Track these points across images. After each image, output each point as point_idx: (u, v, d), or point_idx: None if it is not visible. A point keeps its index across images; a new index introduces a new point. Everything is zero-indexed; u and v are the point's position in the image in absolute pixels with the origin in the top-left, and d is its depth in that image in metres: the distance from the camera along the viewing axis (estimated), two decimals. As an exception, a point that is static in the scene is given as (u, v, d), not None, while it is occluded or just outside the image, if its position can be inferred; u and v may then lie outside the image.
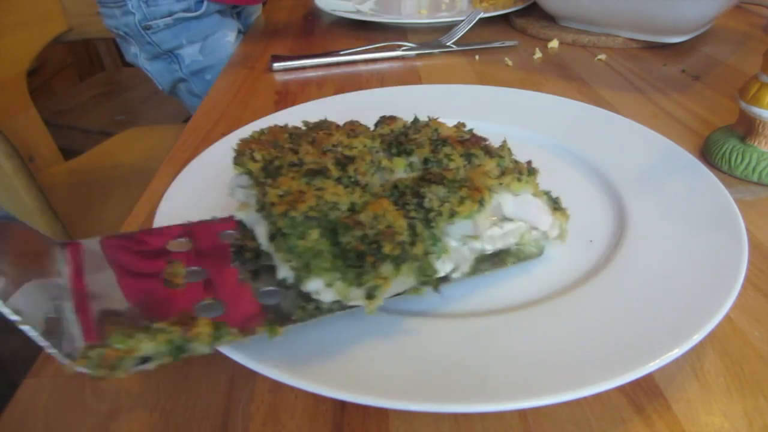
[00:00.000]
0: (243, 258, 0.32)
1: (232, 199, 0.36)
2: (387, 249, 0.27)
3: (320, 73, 0.75)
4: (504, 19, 0.96)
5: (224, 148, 0.49)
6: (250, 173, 0.34)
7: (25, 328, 0.23)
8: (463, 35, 0.83)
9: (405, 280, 0.28)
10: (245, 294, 0.30)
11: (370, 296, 0.27)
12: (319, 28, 0.98)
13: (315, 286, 0.28)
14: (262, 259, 0.32)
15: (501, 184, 0.33)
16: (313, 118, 0.55)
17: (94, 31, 1.32)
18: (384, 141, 0.38)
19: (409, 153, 0.36)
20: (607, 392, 0.28)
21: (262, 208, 0.31)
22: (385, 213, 0.29)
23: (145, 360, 0.24)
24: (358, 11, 0.96)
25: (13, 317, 0.22)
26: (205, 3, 0.92)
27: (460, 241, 0.32)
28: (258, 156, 0.34)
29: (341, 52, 0.78)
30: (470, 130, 0.40)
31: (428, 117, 0.41)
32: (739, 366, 0.30)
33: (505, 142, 0.38)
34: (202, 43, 0.95)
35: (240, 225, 0.35)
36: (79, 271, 0.28)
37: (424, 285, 0.29)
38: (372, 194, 0.31)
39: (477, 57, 0.79)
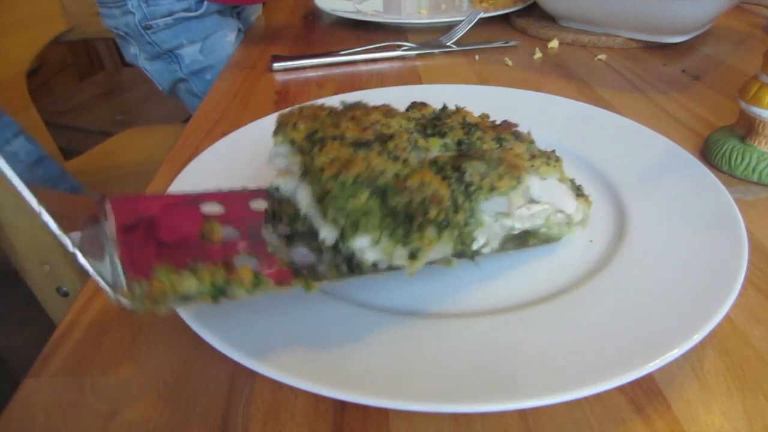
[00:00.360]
0: (277, 222, 0.34)
1: (270, 166, 0.37)
2: (433, 213, 0.29)
3: (320, 73, 0.75)
4: (504, 19, 0.96)
5: (224, 148, 0.49)
6: (292, 142, 0.35)
7: (76, 252, 0.24)
8: (463, 35, 0.83)
9: (444, 247, 0.30)
10: (277, 254, 0.31)
11: (412, 257, 0.29)
12: (319, 28, 0.98)
13: (362, 243, 0.29)
14: (297, 225, 0.33)
15: (532, 166, 0.34)
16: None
17: (94, 31, 1.32)
18: (418, 123, 0.39)
19: (443, 135, 0.37)
20: (607, 392, 0.28)
21: (307, 173, 0.32)
22: (431, 181, 0.30)
23: (185, 299, 0.25)
24: (358, 11, 0.96)
25: (66, 240, 0.23)
26: (205, 3, 0.92)
27: (492, 218, 0.34)
28: (301, 126, 0.35)
29: (341, 52, 0.77)
30: (493, 122, 0.41)
31: (455, 106, 0.42)
32: (739, 366, 0.30)
33: (529, 132, 0.39)
34: (202, 42, 0.94)
35: (270, 196, 0.36)
36: (121, 219, 0.30)
37: (460, 256, 0.31)
38: (413, 168, 0.32)
39: (477, 57, 0.79)
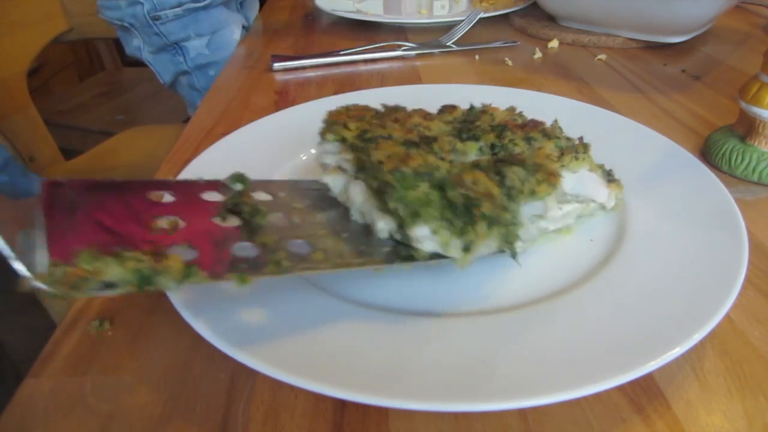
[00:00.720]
0: (231, 215, 0.33)
1: (316, 164, 0.38)
2: (486, 208, 0.30)
3: (320, 73, 0.75)
4: (504, 19, 0.96)
5: (224, 148, 0.49)
6: (343, 140, 0.36)
7: None
8: (463, 35, 0.83)
9: (491, 243, 0.31)
10: (221, 247, 0.30)
11: (465, 249, 0.30)
12: (319, 28, 0.98)
13: (421, 232, 0.30)
14: (257, 218, 0.33)
15: (563, 166, 0.36)
16: (314, 118, 0.55)
17: (94, 31, 1.32)
18: (453, 127, 0.40)
19: (477, 138, 0.38)
20: (607, 392, 0.28)
21: (362, 168, 0.34)
22: (483, 179, 0.31)
23: (109, 286, 0.25)
24: (358, 11, 0.96)
25: None
26: None
27: (529, 220, 0.35)
28: (352, 126, 0.36)
29: (341, 52, 0.77)
30: (520, 113, 0.43)
31: (482, 104, 0.44)
32: (739, 366, 0.30)
33: (556, 121, 0.40)
34: (209, 37, 0.94)
35: (225, 188, 0.35)
36: (55, 203, 0.28)
37: (503, 250, 0.32)
38: (462, 167, 0.34)
39: (477, 57, 0.79)
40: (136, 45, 0.97)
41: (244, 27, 1.01)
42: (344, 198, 0.36)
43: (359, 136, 0.36)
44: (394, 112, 0.40)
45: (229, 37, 0.96)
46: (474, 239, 0.30)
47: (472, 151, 0.37)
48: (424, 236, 0.30)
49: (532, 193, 0.33)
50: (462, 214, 0.30)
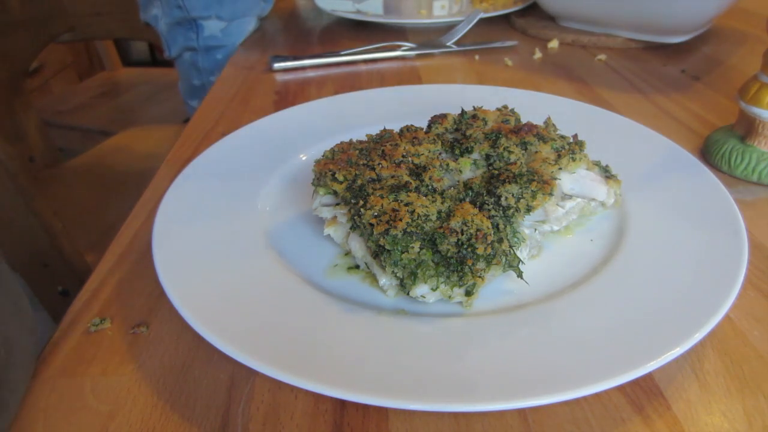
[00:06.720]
0: None
1: (319, 216, 0.38)
2: (480, 250, 0.31)
3: (320, 73, 0.75)
4: (504, 19, 0.96)
5: (224, 148, 0.49)
6: (335, 193, 0.37)
7: None
8: (463, 35, 0.83)
9: (494, 272, 0.32)
10: None
11: (468, 293, 0.31)
12: (319, 28, 0.98)
13: (422, 291, 0.31)
14: None
15: (560, 168, 0.37)
16: (313, 118, 0.55)
17: (94, 31, 1.32)
18: (444, 143, 0.40)
19: (470, 151, 0.39)
20: (607, 392, 0.28)
21: (356, 226, 0.35)
22: (473, 218, 0.32)
23: None
24: (358, 11, 0.96)
25: None
26: None
27: (531, 228, 0.36)
28: (340, 177, 0.36)
29: (341, 52, 0.78)
30: (512, 110, 0.43)
31: (473, 107, 0.43)
32: (739, 366, 0.30)
33: (549, 118, 0.40)
34: (227, 23, 0.94)
35: None
36: None
37: (509, 270, 0.33)
38: (451, 198, 0.35)
39: (477, 57, 0.79)
40: (154, 14, 0.96)
41: (258, 18, 1.00)
42: (347, 248, 0.37)
43: (349, 186, 0.36)
44: (380, 142, 0.39)
45: (245, 26, 0.96)
46: (474, 282, 0.31)
47: (466, 167, 0.38)
48: (426, 293, 0.31)
49: (529, 209, 0.34)
50: (456, 265, 0.31)
